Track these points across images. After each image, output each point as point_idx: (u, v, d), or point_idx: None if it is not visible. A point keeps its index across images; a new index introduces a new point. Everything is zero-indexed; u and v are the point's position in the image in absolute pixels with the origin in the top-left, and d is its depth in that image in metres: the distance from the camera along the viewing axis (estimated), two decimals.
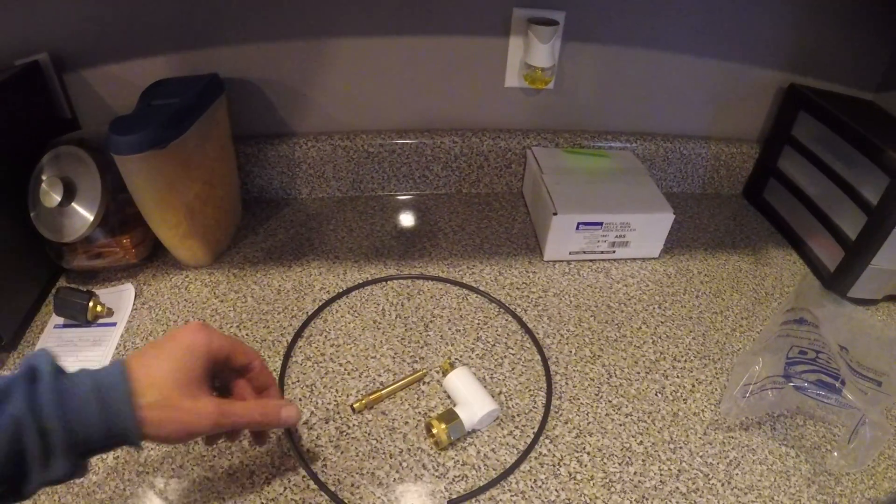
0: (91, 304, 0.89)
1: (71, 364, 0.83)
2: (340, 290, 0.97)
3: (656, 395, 0.83)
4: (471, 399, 0.76)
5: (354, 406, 0.78)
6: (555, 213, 0.99)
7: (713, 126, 1.24)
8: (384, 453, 0.73)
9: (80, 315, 0.89)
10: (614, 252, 1.06)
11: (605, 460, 0.74)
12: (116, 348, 0.87)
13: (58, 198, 0.87)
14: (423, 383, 0.83)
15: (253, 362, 0.65)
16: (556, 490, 0.71)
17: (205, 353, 0.58)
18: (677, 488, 0.72)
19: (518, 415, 0.79)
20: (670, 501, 0.70)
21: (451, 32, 1.06)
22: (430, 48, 1.08)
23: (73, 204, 0.89)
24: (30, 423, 0.47)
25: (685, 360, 0.88)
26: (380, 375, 0.83)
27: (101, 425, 0.51)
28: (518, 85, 1.13)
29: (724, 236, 1.16)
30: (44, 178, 0.88)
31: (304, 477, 0.70)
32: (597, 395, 0.82)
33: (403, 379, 0.83)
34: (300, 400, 0.80)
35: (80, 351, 0.87)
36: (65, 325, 0.91)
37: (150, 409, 0.52)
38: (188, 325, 0.59)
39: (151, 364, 0.55)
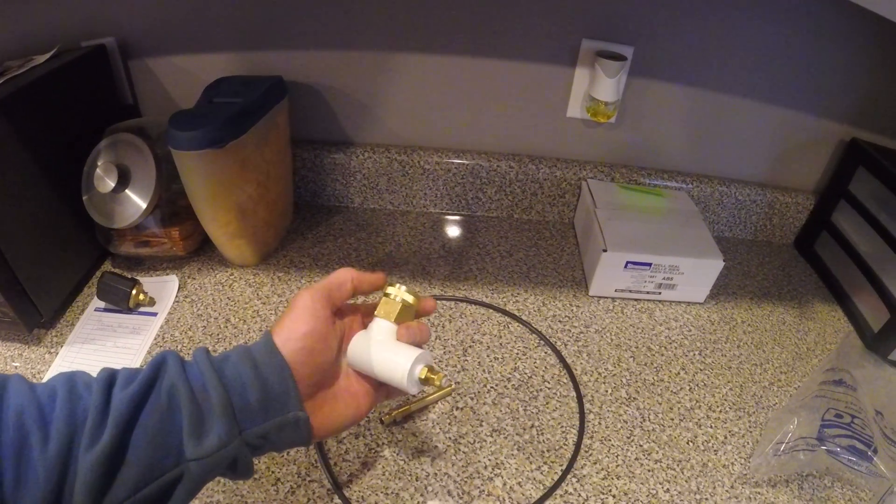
0: (134, 292, 0.91)
1: (108, 349, 0.85)
2: None
3: (688, 443, 0.82)
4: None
5: (383, 419, 0.79)
6: (604, 250, 0.99)
7: (770, 173, 1.23)
8: (410, 475, 0.74)
9: (122, 302, 0.91)
10: (660, 293, 1.05)
11: None
12: (155, 339, 0.88)
13: (112, 184, 0.88)
14: (457, 409, 0.83)
15: (356, 286, 0.63)
16: None
17: (321, 304, 0.59)
18: None
19: (548, 450, 0.79)
20: None
21: (518, 57, 1.07)
22: (496, 71, 1.08)
23: (126, 191, 0.90)
24: (184, 388, 0.49)
25: (720, 411, 0.87)
26: (413, 396, 0.83)
27: (255, 380, 0.52)
28: (580, 116, 1.13)
29: (771, 286, 1.14)
30: (99, 162, 0.89)
31: (328, 490, 0.71)
32: (629, 437, 0.82)
33: (432, 394, 0.83)
34: None
35: (119, 337, 0.88)
36: (105, 310, 0.92)
37: (287, 343, 0.55)
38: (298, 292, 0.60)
39: (283, 328, 0.56)
